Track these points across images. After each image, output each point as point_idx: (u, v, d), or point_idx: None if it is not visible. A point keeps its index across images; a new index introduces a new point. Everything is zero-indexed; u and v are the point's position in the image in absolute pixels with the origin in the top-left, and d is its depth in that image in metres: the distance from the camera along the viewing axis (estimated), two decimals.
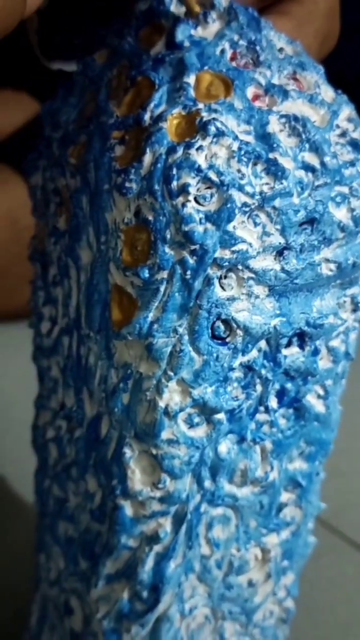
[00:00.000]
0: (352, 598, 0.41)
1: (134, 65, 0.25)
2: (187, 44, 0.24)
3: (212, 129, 0.22)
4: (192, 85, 0.23)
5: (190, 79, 0.23)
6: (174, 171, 0.22)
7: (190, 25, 0.24)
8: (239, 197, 0.23)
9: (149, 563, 0.27)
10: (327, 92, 0.25)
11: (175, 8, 0.25)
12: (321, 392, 0.28)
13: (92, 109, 0.26)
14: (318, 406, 0.28)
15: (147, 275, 0.23)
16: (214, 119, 0.23)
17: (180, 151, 0.22)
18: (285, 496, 0.29)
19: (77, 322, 0.27)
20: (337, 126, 0.25)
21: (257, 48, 0.24)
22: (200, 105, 0.23)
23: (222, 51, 0.24)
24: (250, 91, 0.24)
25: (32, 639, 0.36)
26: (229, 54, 0.24)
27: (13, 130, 0.58)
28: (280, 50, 0.25)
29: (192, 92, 0.23)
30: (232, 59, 0.24)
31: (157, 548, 0.27)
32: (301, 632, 0.40)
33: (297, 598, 0.33)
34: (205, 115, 0.23)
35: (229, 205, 0.23)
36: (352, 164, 0.25)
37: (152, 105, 0.23)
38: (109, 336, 0.25)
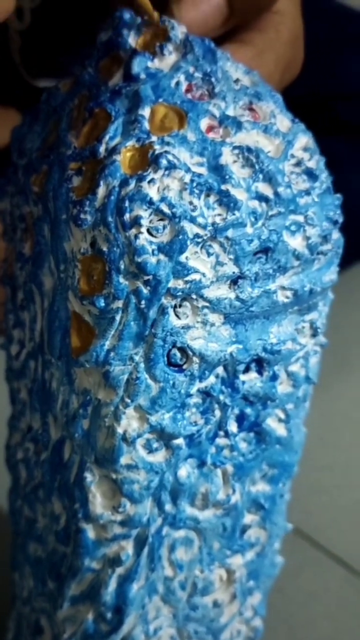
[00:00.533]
0: (333, 613, 0.41)
1: (92, 96, 0.25)
2: (143, 76, 0.24)
3: (164, 162, 0.23)
4: (146, 118, 0.24)
5: (145, 112, 0.24)
6: (127, 204, 0.23)
7: (147, 57, 0.25)
8: (190, 229, 0.23)
9: (112, 585, 0.28)
10: (283, 122, 0.26)
11: (132, 40, 0.25)
12: (282, 416, 0.28)
13: (54, 139, 0.27)
14: (279, 430, 0.28)
15: (102, 304, 0.24)
16: (165, 151, 0.23)
17: (132, 184, 0.23)
18: (248, 518, 0.29)
19: (41, 347, 0.28)
20: (292, 155, 0.25)
21: (213, 79, 0.25)
22: (154, 138, 0.23)
23: (177, 83, 0.24)
24: (204, 123, 0.24)
25: None
26: (184, 86, 0.24)
27: (1, 147, 0.58)
28: (237, 81, 0.25)
29: (146, 125, 0.24)
30: (187, 91, 0.24)
31: (120, 570, 0.27)
32: None
33: (264, 617, 0.33)
34: (157, 148, 0.23)
35: (181, 237, 0.23)
36: (307, 192, 0.25)
37: (107, 137, 0.24)
38: (69, 363, 0.26)
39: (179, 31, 0.25)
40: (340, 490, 0.44)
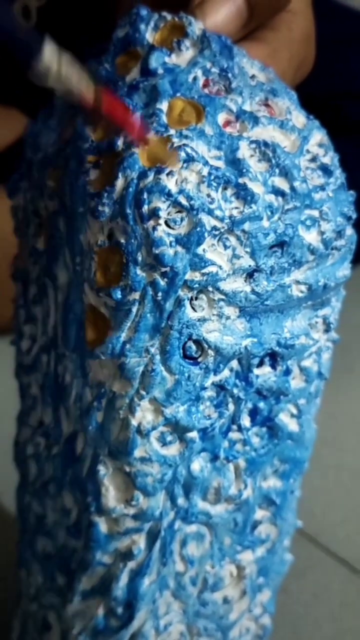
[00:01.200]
0: (337, 613, 0.41)
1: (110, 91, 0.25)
2: (160, 71, 0.25)
3: (183, 154, 0.23)
4: (164, 112, 0.24)
5: (163, 106, 0.24)
6: (145, 195, 0.23)
7: (164, 52, 0.25)
8: (208, 221, 0.23)
9: (123, 579, 0.28)
10: (299, 118, 0.26)
11: (150, 36, 0.25)
12: (294, 411, 0.28)
13: (70, 133, 0.27)
14: (291, 425, 0.28)
15: (119, 296, 0.24)
16: (184, 144, 0.23)
17: (151, 176, 0.23)
18: (259, 514, 0.29)
19: (55, 340, 0.28)
20: (308, 151, 0.25)
21: (229, 75, 0.25)
22: (172, 131, 0.24)
23: (195, 78, 0.25)
24: (221, 117, 0.24)
25: None
26: (201, 81, 0.25)
27: (2, 147, 0.59)
28: (253, 77, 0.25)
29: (164, 118, 0.24)
30: (205, 86, 0.25)
31: (131, 565, 0.27)
32: None
33: (273, 615, 0.33)
34: (176, 141, 0.23)
35: (198, 229, 0.23)
36: (322, 188, 0.25)
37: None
38: (84, 355, 0.26)
39: (196, 27, 0.25)
40: (344, 491, 0.44)
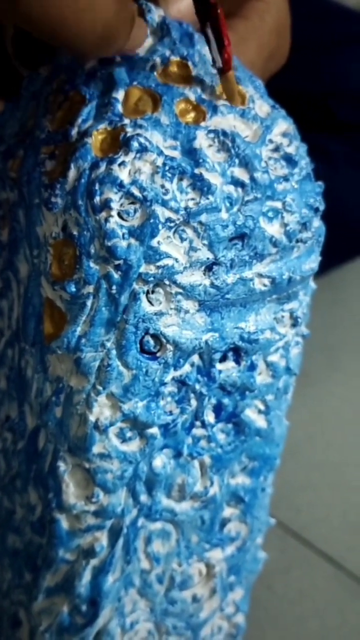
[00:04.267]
0: (322, 610, 0.41)
1: (69, 80, 0.25)
2: (118, 58, 0.24)
3: (135, 144, 0.22)
4: (120, 101, 0.23)
5: (119, 94, 0.23)
6: (97, 186, 0.22)
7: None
8: (162, 213, 0.23)
9: (87, 577, 0.27)
10: (262, 107, 0.25)
11: None
12: (261, 407, 0.28)
13: (32, 124, 0.26)
14: (259, 421, 0.28)
15: (73, 289, 0.23)
16: (137, 134, 0.23)
17: (103, 167, 0.22)
18: (228, 511, 0.29)
19: (18, 334, 0.27)
20: (271, 141, 0.25)
21: (189, 63, 0.24)
22: (126, 121, 0.23)
23: (153, 66, 0.24)
24: (178, 106, 0.24)
25: None
26: (159, 69, 0.24)
27: None
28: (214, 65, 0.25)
29: (119, 108, 0.23)
30: (163, 74, 0.24)
31: (94, 562, 0.27)
32: None
33: (247, 613, 0.33)
34: (129, 131, 0.23)
35: (152, 221, 0.23)
36: (285, 178, 0.25)
37: (79, 120, 0.23)
38: (43, 350, 0.25)
39: (155, 14, 0.25)
40: (329, 488, 0.44)
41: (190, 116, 0.24)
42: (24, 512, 0.29)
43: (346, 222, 0.38)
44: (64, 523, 0.26)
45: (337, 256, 0.41)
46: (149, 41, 0.25)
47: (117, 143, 0.23)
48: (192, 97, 0.24)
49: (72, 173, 0.23)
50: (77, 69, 0.25)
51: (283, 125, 0.25)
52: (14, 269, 0.27)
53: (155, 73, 0.24)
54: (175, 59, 0.24)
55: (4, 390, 0.30)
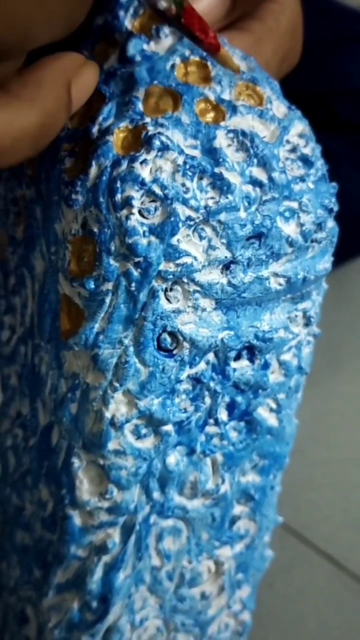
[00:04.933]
0: (322, 609, 0.41)
1: None
2: (138, 58, 0.24)
3: (157, 142, 0.23)
4: (140, 100, 0.24)
5: (140, 93, 0.24)
6: (118, 184, 0.23)
7: (143, 40, 0.25)
8: (182, 211, 0.23)
9: (98, 573, 0.27)
10: (280, 108, 0.25)
11: (129, 23, 0.25)
12: (273, 406, 0.28)
13: None
14: (270, 419, 0.28)
15: (92, 286, 0.23)
16: (159, 132, 0.23)
17: (124, 164, 0.23)
18: (238, 509, 0.29)
19: (32, 331, 0.28)
20: (288, 141, 0.25)
21: (208, 63, 0.24)
22: (147, 119, 0.23)
23: (173, 66, 0.24)
24: (198, 106, 0.24)
25: None
26: (179, 69, 0.24)
27: None
28: None
29: (140, 106, 0.23)
30: (182, 73, 0.24)
31: (106, 558, 0.27)
32: None
33: (253, 611, 0.33)
34: (151, 130, 0.23)
35: (172, 219, 0.23)
36: (302, 179, 0.25)
37: (100, 118, 0.24)
38: (59, 346, 0.25)
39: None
40: (330, 487, 0.44)
41: (210, 116, 0.24)
42: (34, 509, 0.30)
43: (349, 221, 0.38)
44: (77, 519, 0.27)
45: (340, 255, 0.41)
46: (168, 41, 0.25)
47: (139, 141, 0.23)
48: (212, 97, 0.24)
49: (93, 170, 0.23)
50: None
51: (299, 126, 0.26)
52: (29, 265, 0.27)
53: (175, 73, 0.24)
54: (194, 58, 0.24)
55: (15, 387, 0.30)
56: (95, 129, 0.23)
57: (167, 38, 0.25)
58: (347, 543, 0.43)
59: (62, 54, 0.22)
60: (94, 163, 0.23)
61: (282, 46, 0.29)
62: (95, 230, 0.23)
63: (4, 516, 0.33)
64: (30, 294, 0.27)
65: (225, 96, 0.24)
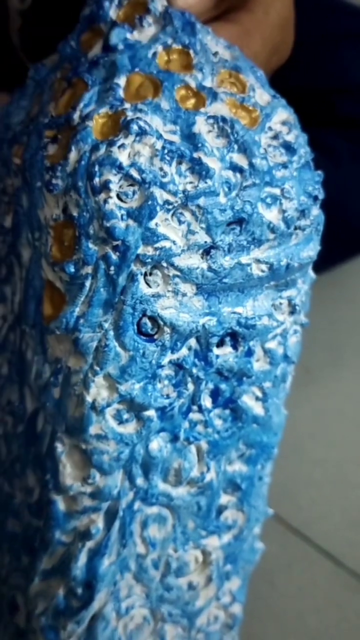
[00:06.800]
0: (322, 607, 0.41)
1: (73, 68, 0.25)
2: (121, 47, 0.25)
3: (135, 127, 0.23)
4: (121, 86, 0.24)
5: (121, 80, 0.24)
6: (96, 168, 0.23)
7: (126, 29, 0.25)
8: (161, 195, 0.23)
9: (82, 559, 0.27)
10: (263, 96, 0.26)
11: (114, 13, 0.25)
12: (259, 394, 0.28)
13: (36, 111, 0.27)
14: (256, 408, 0.28)
15: (72, 270, 0.24)
16: (137, 118, 0.23)
17: (103, 149, 0.23)
18: (225, 499, 0.29)
19: (19, 317, 0.28)
20: (270, 128, 0.25)
21: (190, 51, 0.25)
22: (127, 105, 0.23)
23: (155, 54, 0.24)
24: (179, 93, 0.24)
25: None
26: (161, 56, 0.24)
27: None
28: (215, 54, 0.25)
29: (121, 93, 0.24)
30: (165, 61, 0.24)
31: (90, 544, 0.27)
32: None
33: (244, 604, 0.33)
34: (129, 115, 0.23)
35: (150, 203, 0.23)
36: (284, 166, 0.25)
37: (81, 104, 0.24)
38: (43, 331, 0.26)
39: (158, 4, 0.25)
40: (330, 485, 0.44)
41: (191, 102, 0.24)
42: (22, 496, 0.30)
43: (349, 218, 0.38)
44: (61, 504, 0.27)
45: (341, 252, 0.41)
46: (151, 30, 0.25)
47: (118, 126, 0.23)
48: (193, 84, 0.24)
49: (72, 155, 0.23)
50: (81, 58, 0.26)
51: (283, 114, 0.26)
52: (17, 253, 0.27)
53: (156, 60, 0.24)
54: (177, 47, 0.25)
55: (5, 375, 0.30)
56: (76, 115, 0.24)
57: (150, 27, 0.25)
58: (346, 541, 0.43)
59: None
60: (73, 148, 0.23)
61: (271, 38, 0.30)
62: (75, 214, 0.23)
63: None
64: (19, 281, 0.28)
65: (207, 83, 0.25)
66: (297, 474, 0.41)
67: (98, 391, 0.25)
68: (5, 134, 0.29)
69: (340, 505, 0.43)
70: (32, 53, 0.34)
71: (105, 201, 0.23)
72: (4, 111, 0.30)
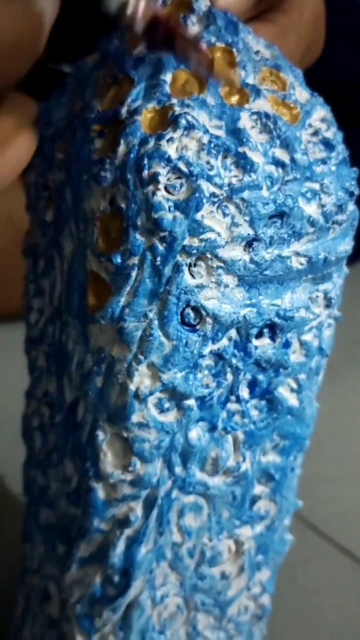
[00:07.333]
0: (341, 603, 0.41)
1: (117, 65, 0.26)
2: None
3: (183, 122, 0.24)
4: (168, 83, 0.25)
5: (167, 77, 0.25)
6: (145, 161, 0.23)
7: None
8: (207, 188, 0.24)
9: (120, 547, 0.28)
10: (302, 94, 0.26)
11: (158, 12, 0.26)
12: (294, 386, 0.28)
13: (79, 107, 0.27)
14: (291, 399, 0.28)
15: (119, 260, 0.24)
16: (185, 112, 0.24)
17: (152, 142, 0.24)
18: (258, 489, 0.30)
19: (60, 310, 0.28)
20: (310, 125, 0.26)
21: (234, 50, 0.25)
22: (174, 100, 0.24)
23: None
24: (223, 89, 0.25)
25: (16, 629, 0.36)
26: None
27: None
28: (257, 52, 0.26)
29: (167, 89, 0.24)
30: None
31: (128, 532, 0.28)
32: (290, 635, 0.40)
33: (273, 595, 0.33)
34: (177, 110, 0.24)
35: (197, 195, 0.24)
36: (323, 161, 0.26)
37: (129, 100, 0.25)
38: (86, 321, 0.26)
39: (202, 3, 0.26)
40: (348, 482, 0.44)
41: (235, 98, 0.25)
42: (59, 485, 0.30)
43: None
44: (100, 492, 0.27)
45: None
46: (195, 29, 0.26)
47: (166, 120, 0.24)
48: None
49: (121, 149, 0.24)
50: (125, 55, 0.26)
51: (321, 111, 0.26)
52: (59, 246, 0.28)
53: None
54: (220, 45, 0.25)
55: (42, 367, 0.31)
56: (124, 110, 0.24)
57: (194, 26, 0.26)
58: None
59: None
60: (122, 142, 0.24)
61: (305, 38, 0.30)
62: (123, 206, 0.24)
63: (29, 497, 0.34)
64: (59, 273, 0.28)
65: (250, 80, 0.25)
66: (316, 470, 0.42)
67: (141, 380, 0.25)
68: (47, 131, 0.29)
69: (358, 502, 0.44)
70: (56, 57, 0.35)
71: (154, 193, 0.23)
72: (43, 109, 0.31)
